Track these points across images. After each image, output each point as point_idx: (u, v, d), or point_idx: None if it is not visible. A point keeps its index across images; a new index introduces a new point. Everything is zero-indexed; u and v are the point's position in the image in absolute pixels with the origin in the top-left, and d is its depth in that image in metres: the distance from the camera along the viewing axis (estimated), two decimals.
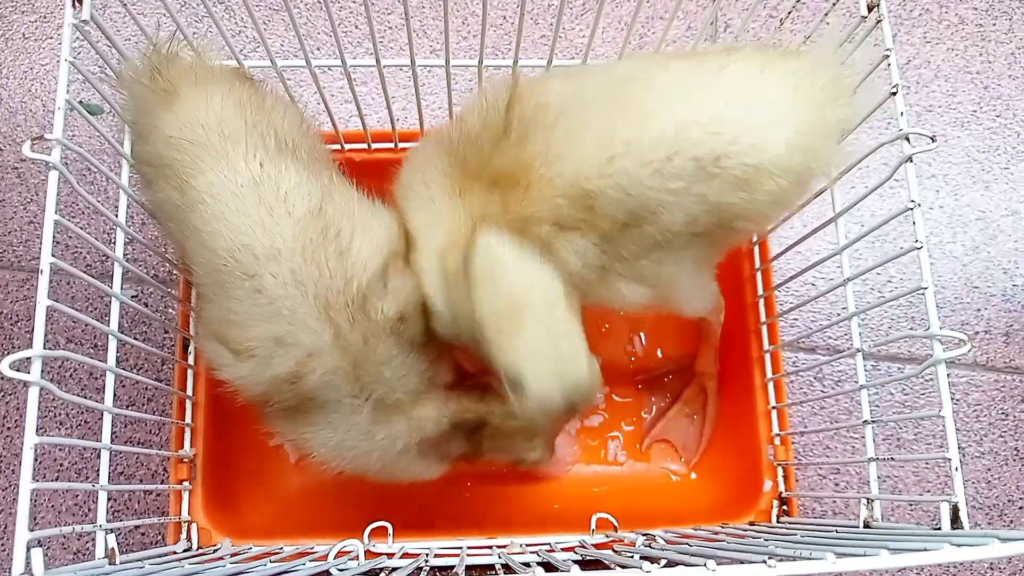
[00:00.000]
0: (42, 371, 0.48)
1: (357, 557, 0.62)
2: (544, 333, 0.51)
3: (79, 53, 0.70)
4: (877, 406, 0.86)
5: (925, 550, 0.37)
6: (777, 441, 0.73)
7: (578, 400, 0.52)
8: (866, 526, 0.57)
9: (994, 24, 0.96)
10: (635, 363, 0.83)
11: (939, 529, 0.49)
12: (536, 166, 0.54)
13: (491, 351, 0.52)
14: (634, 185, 0.52)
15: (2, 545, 0.80)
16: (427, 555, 0.63)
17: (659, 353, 0.83)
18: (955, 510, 0.49)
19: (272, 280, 0.53)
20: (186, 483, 0.69)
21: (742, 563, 0.37)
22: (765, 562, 0.36)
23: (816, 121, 0.54)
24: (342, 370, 0.56)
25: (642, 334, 0.84)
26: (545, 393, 0.51)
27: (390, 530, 0.68)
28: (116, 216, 0.60)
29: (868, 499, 0.58)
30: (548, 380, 0.51)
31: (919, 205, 0.54)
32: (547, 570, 0.45)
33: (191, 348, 0.72)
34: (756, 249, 0.77)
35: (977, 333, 0.88)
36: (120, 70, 0.61)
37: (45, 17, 0.93)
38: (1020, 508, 0.84)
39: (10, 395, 0.83)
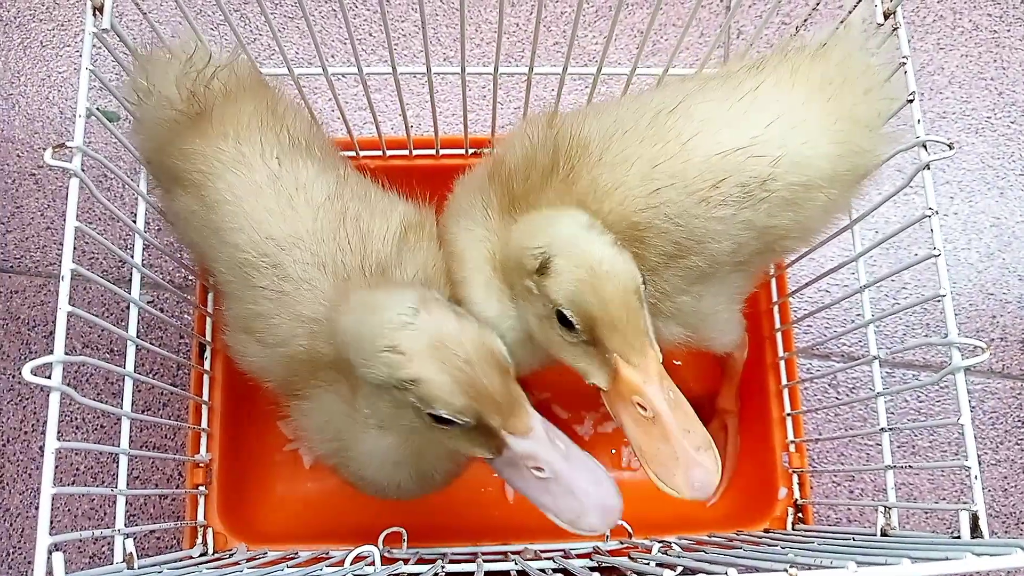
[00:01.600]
0: (61, 377, 0.48)
1: (373, 563, 0.62)
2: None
3: (96, 61, 0.70)
4: (892, 413, 0.85)
5: (947, 559, 0.36)
6: (792, 448, 0.72)
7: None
8: (883, 534, 0.57)
9: (1008, 30, 0.96)
10: None
11: (958, 538, 0.49)
12: (588, 203, 0.53)
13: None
14: (681, 215, 0.52)
15: (19, 548, 0.81)
16: (443, 561, 0.63)
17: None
18: (975, 518, 0.48)
19: (295, 265, 0.55)
20: (202, 488, 0.69)
21: (762, 571, 0.37)
22: (786, 570, 0.36)
23: (851, 123, 0.54)
24: None
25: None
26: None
27: (404, 536, 0.68)
28: (134, 222, 0.60)
29: (885, 507, 0.58)
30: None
31: (936, 212, 0.54)
32: None
33: (207, 353, 0.72)
34: None
35: (992, 340, 0.88)
36: (151, 92, 0.60)
37: (63, 25, 0.94)
38: None
39: (27, 400, 0.84)
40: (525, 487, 0.49)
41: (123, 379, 0.59)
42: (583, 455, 0.50)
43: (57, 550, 0.46)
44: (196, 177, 0.58)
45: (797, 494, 0.71)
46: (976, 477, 0.50)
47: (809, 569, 0.37)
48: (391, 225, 0.58)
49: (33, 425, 0.83)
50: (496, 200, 0.57)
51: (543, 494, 0.49)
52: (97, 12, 0.56)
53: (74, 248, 0.51)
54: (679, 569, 0.50)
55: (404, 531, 0.68)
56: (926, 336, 0.87)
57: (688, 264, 0.55)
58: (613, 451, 0.80)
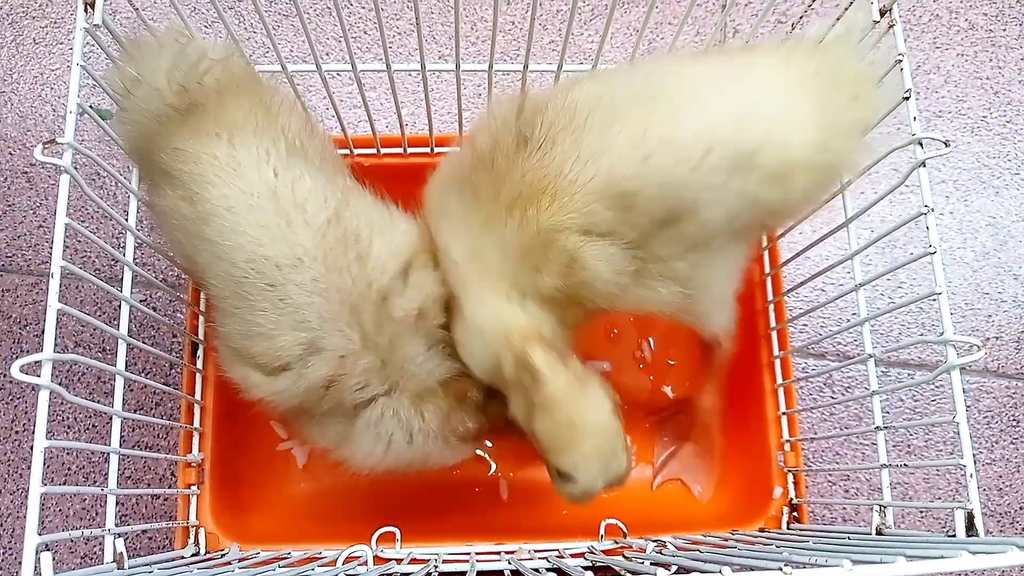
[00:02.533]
0: (51, 375, 0.48)
1: (366, 563, 0.62)
2: (596, 446, 0.55)
3: (89, 58, 0.70)
4: (887, 412, 0.85)
5: (942, 557, 0.36)
6: (787, 447, 0.72)
7: (615, 483, 0.57)
8: (878, 533, 0.57)
9: (1004, 30, 0.96)
10: (646, 403, 0.82)
11: (953, 536, 0.49)
12: (565, 170, 0.53)
13: (545, 453, 0.56)
14: (672, 182, 0.52)
15: (10, 549, 0.80)
16: (436, 561, 0.63)
17: (670, 393, 0.82)
18: (970, 517, 0.48)
19: (296, 288, 0.53)
20: (194, 487, 0.69)
21: (757, 569, 0.37)
22: (781, 569, 0.36)
23: (834, 123, 0.54)
24: (374, 370, 0.56)
25: (651, 339, 0.83)
26: (591, 485, 0.56)
27: (398, 535, 0.68)
28: (126, 220, 0.60)
29: (881, 506, 0.58)
30: (595, 476, 0.55)
31: (932, 210, 0.53)
32: None
33: (200, 352, 0.72)
34: (766, 254, 0.77)
35: (988, 339, 0.88)
36: (139, 82, 0.58)
37: (55, 22, 0.94)
38: None
39: (18, 399, 0.83)
40: None
41: (114, 379, 0.58)
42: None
43: (47, 550, 0.45)
44: (186, 178, 0.55)
45: (792, 493, 0.71)
46: (971, 476, 0.50)
47: (804, 568, 0.37)
48: (393, 248, 0.57)
49: (24, 424, 0.83)
50: (469, 195, 0.56)
51: None
52: (89, 8, 0.55)
53: (65, 246, 0.51)
54: (673, 568, 0.50)
55: (397, 531, 0.68)
56: (921, 335, 0.87)
57: (682, 230, 0.54)
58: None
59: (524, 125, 0.54)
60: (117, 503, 0.55)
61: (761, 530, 0.69)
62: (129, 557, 0.52)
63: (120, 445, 0.57)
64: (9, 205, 0.88)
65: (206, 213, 0.54)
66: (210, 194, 0.54)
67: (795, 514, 0.71)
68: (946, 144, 0.53)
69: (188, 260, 0.59)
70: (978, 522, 0.48)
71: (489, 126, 0.56)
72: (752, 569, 0.38)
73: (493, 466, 0.79)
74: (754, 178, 0.53)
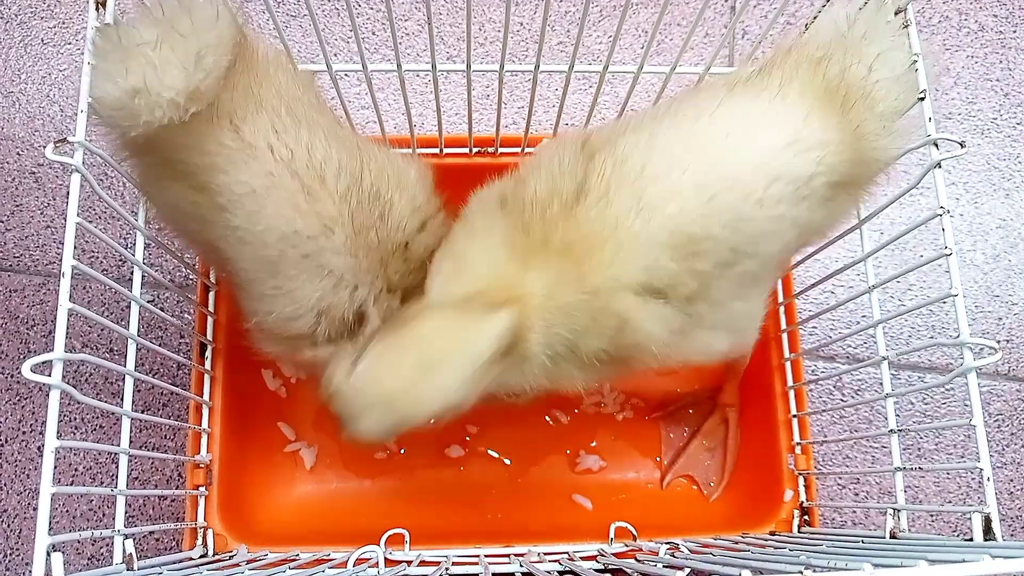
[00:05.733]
0: (61, 374, 0.48)
1: (377, 564, 0.61)
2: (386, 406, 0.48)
3: None
4: (898, 415, 0.85)
5: (964, 561, 0.36)
6: (798, 450, 0.72)
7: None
8: (892, 536, 0.56)
9: (1014, 31, 0.95)
10: (652, 398, 0.82)
11: (970, 540, 0.48)
12: (627, 223, 0.51)
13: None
14: (739, 220, 0.51)
15: (16, 550, 0.80)
16: (446, 564, 0.63)
17: (677, 388, 0.82)
18: (987, 521, 0.48)
19: (331, 253, 0.54)
20: (202, 488, 0.68)
21: (776, 573, 0.37)
22: (801, 573, 0.35)
23: (863, 132, 0.54)
24: (394, 309, 0.58)
25: None
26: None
27: (407, 537, 0.67)
28: (136, 219, 0.60)
29: (895, 509, 0.57)
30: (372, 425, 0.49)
31: (948, 211, 0.53)
32: None
33: (208, 353, 0.72)
34: None
35: (999, 342, 0.87)
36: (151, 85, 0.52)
37: (64, 23, 0.94)
38: None
39: (25, 399, 0.83)
40: None
41: (122, 380, 0.58)
42: None
43: (56, 551, 0.45)
44: (193, 169, 0.53)
45: (803, 496, 0.71)
46: (988, 479, 0.49)
47: (825, 571, 0.37)
48: (410, 199, 0.59)
49: (31, 425, 0.82)
50: (513, 237, 0.54)
51: None
52: (100, 7, 0.55)
53: (75, 246, 0.50)
54: (687, 571, 0.49)
55: (407, 533, 0.67)
56: (932, 338, 0.87)
57: (742, 270, 0.53)
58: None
59: (587, 178, 0.53)
60: (125, 504, 0.55)
61: (772, 533, 0.69)
62: (137, 558, 0.52)
63: (128, 446, 0.57)
64: (17, 205, 0.88)
65: (227, 201, 0.53)
66: (226, 181, 0.52)
67: (806, 517, 0.70)
68: (962, 145, 0.53)
69: (207, 248, 0.58)
70: (995, 526, 0.48)
71: (550, 166, 0.54)
72: (771, 572, 0.37)
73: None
74: (808, 203, 0.53)
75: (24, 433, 0.82)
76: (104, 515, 0.80)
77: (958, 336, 0.52)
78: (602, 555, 0.65)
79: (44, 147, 0.53)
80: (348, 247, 0.55)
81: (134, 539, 0.53)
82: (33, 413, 0.83)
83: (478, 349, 0.48)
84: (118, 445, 0.56)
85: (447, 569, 0.61)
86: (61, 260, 0.51)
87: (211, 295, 0.73)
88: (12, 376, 0.83)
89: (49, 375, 0.47)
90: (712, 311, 0.55)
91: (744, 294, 0.56)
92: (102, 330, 0.84)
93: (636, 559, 0.62)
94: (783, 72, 0.55)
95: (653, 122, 0.55)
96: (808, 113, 0.53)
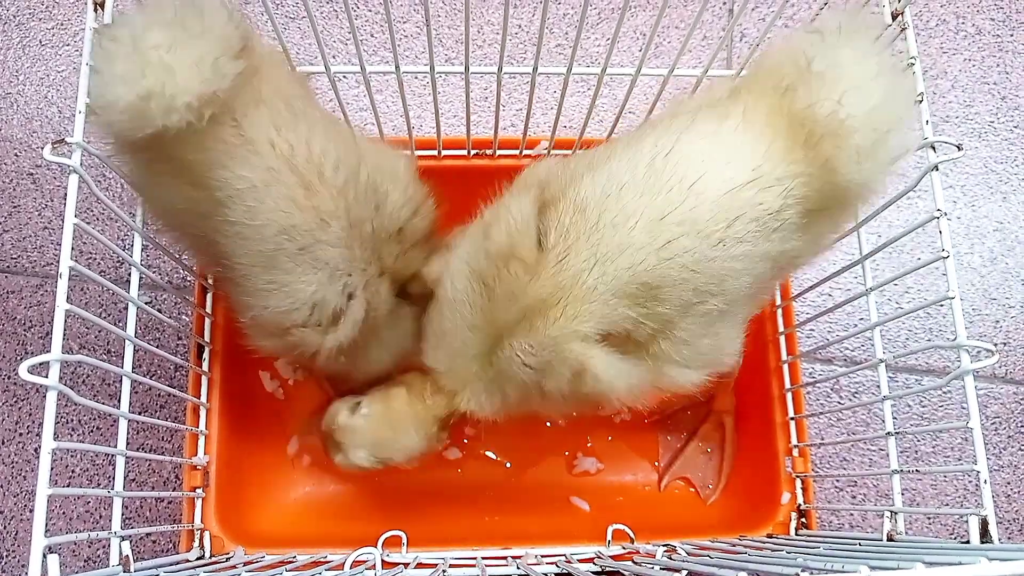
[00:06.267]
0: (59, 376, 0.47)
1: (374, 567, 0.61)
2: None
3: None
4: (895, 418, 0.85)
5: (960, 563, 0.36)
6: (795, 453, 0.72)
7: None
8: (889, 539, 0.56)
9: (1011, 35, 0.95)
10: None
11: (967, 543, 0.48)
12: (583, 278, 0.51)
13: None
14: (699, 261, 0.50)
15: (12, 552, 0.80)
16: (443, 566, 0.63)
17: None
18: (984, 524, 0.48)
19: (326, 245, 0.55)
20: (199, 490, 0.68)
21: (774, 575, 0.37)
22: (798, 575, 0.35)
23: (839, 162, 0.51)
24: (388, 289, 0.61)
25: None
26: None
27: (404, 539, 0.67)
28: (133, 221, 0.60)
29: (892, 512, 0.57)
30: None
31: (946, 214, 0.53)
32: None
33: (205, 354, 0.72)
34: None
35: (996, 345, 0.87)
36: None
37: (62, 24, 0.93)
38: None
39: (22, 401, 0.83)
40: None
41: (119, 382, 0.58)
42: None
43: (52, 552, 0.45)
44: (191, 165, 0.53)
45: (800, 499, 0.71)
46: (986, 481, 0.49)
47: (821, 573, 0.37)
48: (402, 189, 0.60)
49: (28, 427, 0.82)
50: (478, 288, 0.55)
51: None
52: (98, 8, 0.55)
53: (72, 247, 0.50)
54: (684, 573, 0.49)
55: (404, 535, 0.67)
56: (929, 340, 0.87)
57: (707, 308, 0.52)
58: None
59: (541, 227, 0.53)
60: (122, 506, 0.55)
61: (769, 536, 0.69)
62: (134, 560, 0.52)
63: (125, 448, 0.57)
64: (15, 206, 0.88)
65: (226, 196, 0.53)
66: (226, 176, 0.52)
67: (803, 520, 0.70)
68: (959, 148, 0.53)
69: (201, 245, 0.58)
70: (992, 528, 0.48)
71: (507, 222, 0.54)
72: (768, 575, 0.37)
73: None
74: (780, 235, 0.51)
75: (21, 434, 0.82)
76: (101, 517, 0.79)
77: (955, 339, 0.52)
78: (599, 557, 0.65)
79: (42, 148, 0.53)
80: (343, 239, 0.55)
81: (131, 541, 0.52)
82: (30, 415, 0.83)
83: (424, 421, 0.64)
84: (115, 447, 0.56)
85: (444, 571, 0.61)
86: (59, 261, 0.51)
87: (208, 297, 0.73)
88: (9, 377, 0.83)
89: (46, 376, 0.47)
90: (676, 348, 0.54)
91: (712, 331, 0.55)
92: (99, 331, 0.84)
93: (633, 561, 0.62)
94: (748, 99, 0.53)
95: (610, 163, 0.53)
96: (770, 146, 0.51)
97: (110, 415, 0.74)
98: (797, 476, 0.71)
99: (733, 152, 0.51)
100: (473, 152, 0.77)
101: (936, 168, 0.54)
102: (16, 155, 0.89)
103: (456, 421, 0.65)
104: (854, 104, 0.50)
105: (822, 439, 0.83)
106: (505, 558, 0.67)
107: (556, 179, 0.55)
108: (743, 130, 0.52)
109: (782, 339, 0.75)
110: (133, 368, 0.58)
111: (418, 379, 0.65)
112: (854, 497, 0.83)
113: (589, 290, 0.51)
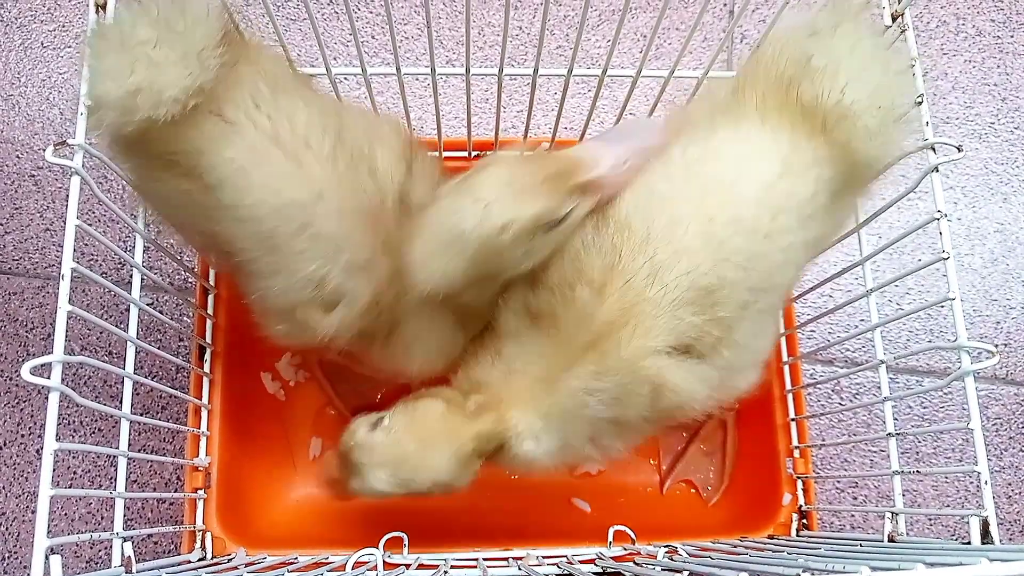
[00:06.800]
0: (61, 377, 0.48)
1: (375, 568, 0.61)
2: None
3: None
4: (896, 419, 0.85)
5: (961, 564, 0.36)
6: (796, 454, 0.72)
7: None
8: (890, 540, 0.56)
9: (1012, 36, 0.96)
10: None
11: (968, 544, 0.48)
12: (647, 293, 0.52)
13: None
14: (750, 259, 0.52)
15: (15, 553, 0.80)
16: (444, 567, 0.63)
17: None
18: (985, 525, 0.48)
19: (325, 219, 0.53)
20: (201, 491, 0.68)
21: None
22: (799, 575, 0.35)
23: (857, 141, 0.53)
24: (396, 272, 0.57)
25: None
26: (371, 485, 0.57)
27: (406, 541, 0.67)
28: (135, 222, 0.60)
29: (893, 513, 0.57)
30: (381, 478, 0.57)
31: (946, 215, 0.53)
32: None
33: (207, 356, 0.72)
34: None
35: (996, 346, 0.87)
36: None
37: (64, 26, 0.94)
38: None
39: (24, 402, 0.83)
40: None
41: (121, 382, 0.58)
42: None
43: (54, 553, 0.45)
44: (178, 158, 0.53)
45: (802, 500, 0.71)
46: (986, 482, 0.49)
47: (823, 574, 0.37)
48: (392, 151, 0.58)
49: (30, 428, 0.82)
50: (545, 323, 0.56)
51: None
52: (100, 9, 0.55)
53: (74, 248, 0.50)
54: (686, 574, 0.49)
55: (405, 536, 0.67)
56: (930, 341, 0.87)
57: (761, 307, 0.54)
58: None
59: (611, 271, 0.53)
60: (124, 507, 0.55)
61: (770, 537, 0.69)
62: (135, 561, 0.52)
63: (127, 449, 0.57)
64: (17, 208, 0.88)
65: (217, 182, 0.52)
66: (212, 162, 0.52)
67: (804, 521, 0.70)
68: (959, 149, 0.53)
69: (205, 237, 0.58)
70: (993, 529, 0.48)
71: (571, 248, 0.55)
72: (772, 575, 0.37)
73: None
74: (815, 220, 0.53)
75: (23, 436, 0.82)
76: (103, 518, 0.80)
77: (956, 340, 0.52)
78: (601, 558, 0.65)
79: (44, 150, 0.53)
80: (341, 212, 0.54)
81: (133, 542, 0.53)
82: (32, 416, 0.83)
83: (460, 438, 0.55)
84: (117, 448, 0.56)
85: (446, 572, 0.61)
86: (60, 263, 0.51)
87: (210, 298, 0.73)
88: (11, 379, 0.83)
89: (48, 378, 0.47)
90: (739, 355, 0.55)
91: (763, 330, 0.57)
92: (101, 333, 0.84)
93: (635, 563, 0.62)
94: (756, 95, 0.54)
95: (643, 175, 0.55)
96: (791, 137, 0.53)
97: (112, 416, 0.74)
98: (798, 477, 0.71)
99: (761, 149, 0.53)
100: (474, 153, 0.77)
101: (937, 169, 0.54)
102: (18, 157, 0.89)
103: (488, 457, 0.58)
104: (857, 90, 0.52)
105: (823, 440, 0.83)
106: (506, 559, 0.67)
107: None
108: (762, 126, 0.54)
109: (783, 340, 0.75)
110: (135, 369, 0.58)
111: (458, 393, 0.59)
112: (855, 498, 0.83)
113: (654, 304, 0.52)
